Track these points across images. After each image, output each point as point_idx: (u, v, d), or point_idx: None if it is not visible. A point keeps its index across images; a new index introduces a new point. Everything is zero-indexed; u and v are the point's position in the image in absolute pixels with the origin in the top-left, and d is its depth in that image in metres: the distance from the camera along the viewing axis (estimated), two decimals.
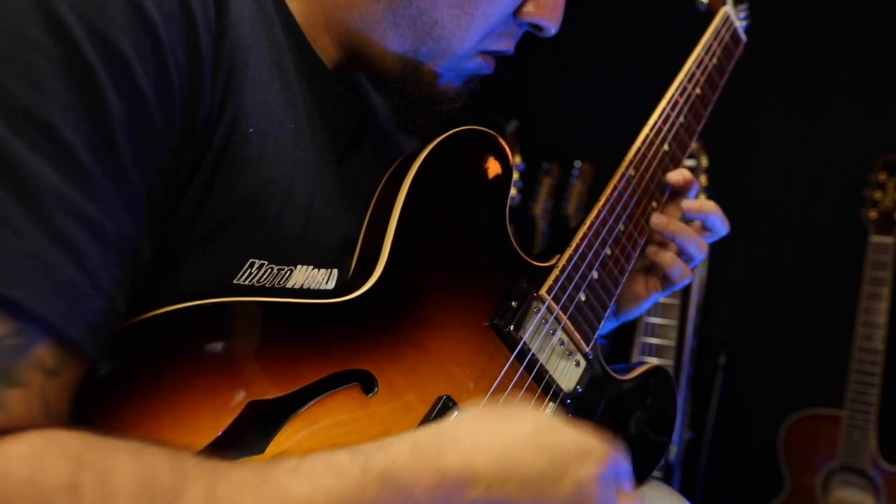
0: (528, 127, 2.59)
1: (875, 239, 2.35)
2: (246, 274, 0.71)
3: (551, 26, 0.85)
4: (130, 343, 0.61)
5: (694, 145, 2.29)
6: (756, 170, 2.67)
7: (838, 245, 2.55)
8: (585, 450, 0.70)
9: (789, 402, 2.51)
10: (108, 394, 0.59)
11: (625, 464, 0.75)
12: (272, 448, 0.64)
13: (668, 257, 1.03)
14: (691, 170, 2.29)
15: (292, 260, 0.75)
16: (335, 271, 0.82)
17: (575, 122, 2.77)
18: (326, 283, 0.81)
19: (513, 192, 2.51)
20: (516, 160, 2.54)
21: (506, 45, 0.86)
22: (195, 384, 0.62)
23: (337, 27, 0.82)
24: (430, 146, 0.84)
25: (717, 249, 2.42)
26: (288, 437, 0.65)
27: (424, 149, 0.84)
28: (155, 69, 0.58)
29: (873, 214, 2.37)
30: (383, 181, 0.86)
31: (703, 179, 2.29)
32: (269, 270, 0.73)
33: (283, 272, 0.75)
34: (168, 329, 0.63)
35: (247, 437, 0.64)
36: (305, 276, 0.78)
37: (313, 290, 0.79)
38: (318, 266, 0.79)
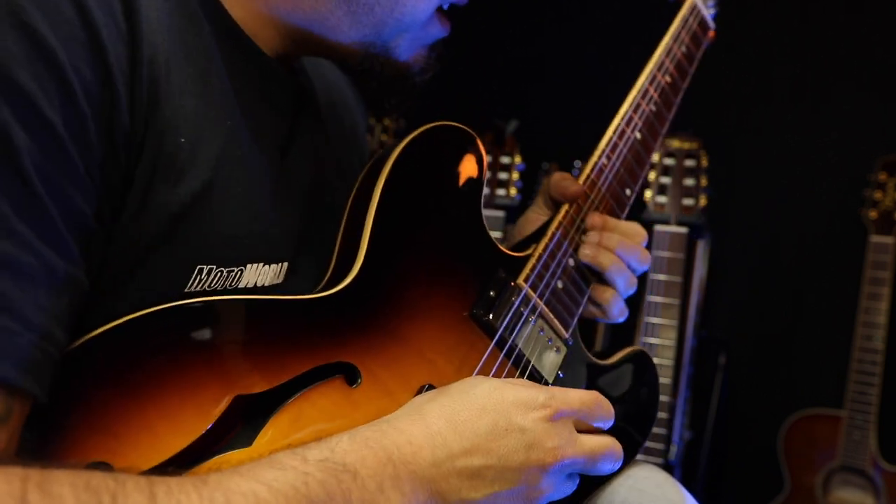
0: (528, 127, 2.59)
1: (875, 239, 2.35)
2: (196, 281, 0.70)
3: None
4: (114, 344, 0.62)
5: (695, 144, 2.31)
6: (756, 170, 2.67)
7: (838, 245, 2.54)
8: (527, 399, 0.71)
9: (789, 402, 2.50)
10: (93, 394, 0.60)
11: (580, 402, 0.75)
12: (259, 440, 0.65)
13: (608, 294, 1.01)
14: (690, 170, 2.30)
15: (241, 260, 0.75)
16: (285, 265, 0.82)
17: (575, 122, 2.77)
18: (277, 277, 0.81)
19: (513, 192, 2.52)
20: (516, 160, 2.53)
21: None
22: (181, 382, 0.63)
23: (284, 20, 0.80)
24: (403, 143, 0.86)
25: (717, 249, 2.43)
26: (274, 429, 0.66)
27: (397, 146, 0.86)
28: (59, 94, 0.57)
29: (873, 214, 2.37)
30: (360, 178, 0.87)
31: (704, 180, 2.29)
32: (220, 274, 0.73)
33: (234, 273, 0.74)
34: (152, 329, 0.64)
35: (234, 430, 0.65)
36: (257, 273, 0.77)
37: (266, 287, 0.80)
38: (267, 262, 0.79)
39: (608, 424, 0.78)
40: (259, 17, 0.79)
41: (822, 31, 2.61)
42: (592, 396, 0.77)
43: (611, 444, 0.77)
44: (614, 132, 1.06)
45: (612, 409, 0.79)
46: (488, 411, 0.69)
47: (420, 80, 0.86)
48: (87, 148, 0.60)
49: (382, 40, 0.81)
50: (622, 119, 1.07)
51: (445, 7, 0.85)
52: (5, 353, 0.54)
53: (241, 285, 0.76)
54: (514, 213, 2.51)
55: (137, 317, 0.63)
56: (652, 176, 2.32)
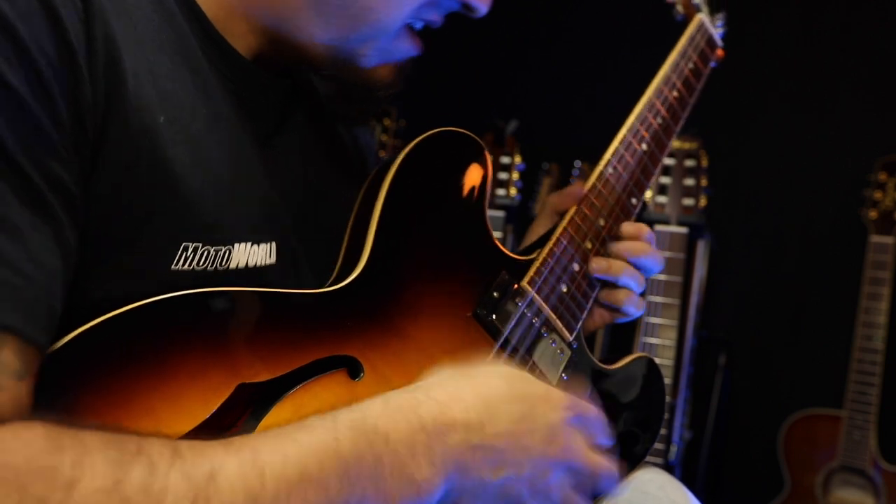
0: (528, 127, 2.60)
1: (875, 239, 2.35)
2: (182, 259, 0.71)
3: (482, 6, 0.84)
4: (120, 331, 0.62)
5: (695, 144, 2.31)
6: (756, 170, 2.68)
7: (838, 245, 2.55)
8: (555, 398, 0.75)
9: (789, 402, 2.51)
10: (97, 380, 0.60)
11: (593, 416, 0.78)
12: (261, 428, 0.65)
13: (621, 295, 1.04)
14: (690, 170, 2.31)
15: (228, 239, 0.76)
16: (274, 244, 0.83)
17: (575, 122, 2.77)
18: (269, 256, 0.82)
19: (513, 192, 2.52)
20: (516, 160, 2.54)
21: (434, 15, 0.85)
22: (185, 369, 0.64)
23: (258, 15, 0.80)
24: (410, 147, 0.87)
25: (717, 249, 2.44)
26: (276, 418, 0.66)
27: (404, 149, 0.87)
28: (25, 69, 0.58)
29: (873, 214, 2.37)
30: (368, 180, 0.89)
31: (704, 180, 2.30)
32: (207, 252, 0.73)
33: (222, 252, 0.75)
34: (158, 316, 0.65)
35: (235, 418, 0.65)
36: (247, 253, 0.78)
37: (260, 267, 0.80)
38: (256, 242, 0.80)
39: (608, 444, 0.80)
40: (232, 14, 0.80)
41: (822, 32, 2.61)
42: (602, 416, 0.80)
43: (612, 466, 0.79)
44: (620, 143, 1.07)
45: (611, 434, 0.81)
46: (522, 400, 0.72)
47: (383, 94, 0.87)
48: (57, 118, 0.61)
49: (350, 46, 0.81)
50: (629, 131, 1.08)
51: (418, 27, 0.85)
52: (15, 306, 0.55)
53: (233, 265, 0.77)
54: (514, 213, 2.52)
55: (144, 304, 0.64)
56: None
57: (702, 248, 2.39)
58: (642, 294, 1.06)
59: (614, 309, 1.05)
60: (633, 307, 1.04)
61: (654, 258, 1.04)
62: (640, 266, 1.03)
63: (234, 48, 0.81)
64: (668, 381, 2.21)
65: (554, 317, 0.93)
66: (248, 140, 0.82)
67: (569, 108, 2.86)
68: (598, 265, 1.01)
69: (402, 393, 0.67)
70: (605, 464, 0.77)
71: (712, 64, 1.27)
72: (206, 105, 0.75)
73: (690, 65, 1.20)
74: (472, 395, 0.69)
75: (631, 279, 1.02)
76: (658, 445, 2.21)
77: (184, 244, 0.71)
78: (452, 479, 0.66)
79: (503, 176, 2.54)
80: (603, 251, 1.03)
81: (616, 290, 1.03)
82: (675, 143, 2.33)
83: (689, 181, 2.30)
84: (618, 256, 1.02)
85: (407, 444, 0.63)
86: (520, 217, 2.58)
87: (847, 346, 2.37)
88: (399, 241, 0.84)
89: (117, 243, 0.67)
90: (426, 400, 0.67)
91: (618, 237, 1.05)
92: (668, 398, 2.22)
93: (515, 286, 0.90)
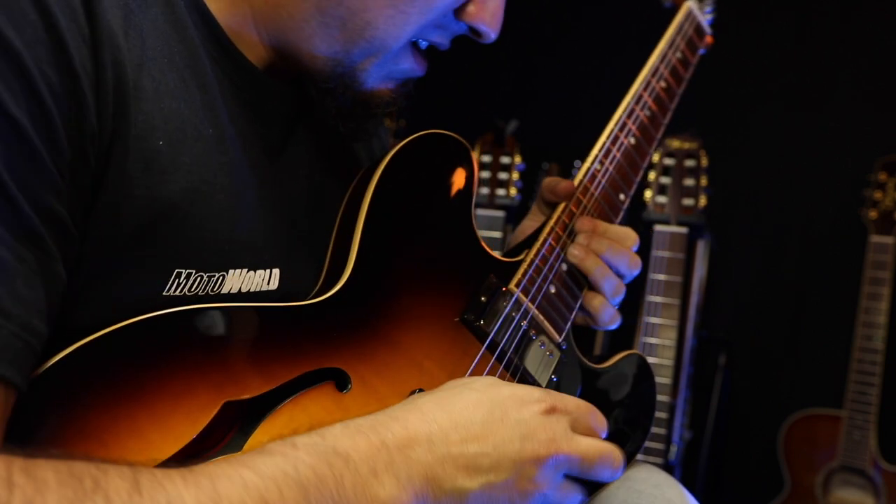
0: (528, 127, 2.59)
1: (875, 239, 2.35)
2: (174, 285, 0.71)
3: (491, 32, 0.83)
4: (104, 352, 0.62)
5: (695, 144, 2.31)
6: (756, 170, 2.67)
7: (838, 245, 2.54)
8: (523, 395, 0.73)
9: (789, 402, 2.51)
10: (83, 402, 0.60)
11: (574, 406, 0.76)
12: (249, 445, 0.65)
13: (596, 301, 1.00)
14: (690, 170, 2.30)
15: (222, 265, 0.75)
16: (276, 271, 0.82)
17: (575, 122, 2.77)
18: (267, 283, 0.81)
19: (513, 191, 2.52)
20: (516, 160, 2.53)
21: (440, 38, 0.83)
22: (171, 388, 0.64)
23: (266, 25, 0.80)
24: (393, 151, 0.86)
25: (717, 249, 2.43)
26: (264, 434, 0.66)
27: (388, 154, 0.86)
28: (26, 96, 0.58)
29: (873, 214, 2.37)
30: (352, 186, 0.88)
31: (704, 180, 2.29)
32: (199, 279, 0.73)
33: (215, 278, 0.75)
34: (142, 336, 0.65)
35: (223, 436, 0.65)
36: (241, 279, 0.78)
37: (254, 293, 0.80)
38: (253, 268, 0.79)
39: (602, 433, 0.78)
40: (244, 24, 0.80)
41: (821, 32, 2.61)
42: (587, 403, 0.78)
43: (608, 449, 0.76)
44: (608, 138, 1.06)
45: (605, 420, 0.79)
46: (484, 403, 0.70)
47: (381, 112, 0.86)
48: (56, 148, 0.60)
49: (350, 60, 0.80)
50: (616, 124, 1.07)
51: (423, 47, 0.84)
52: None
53: (225, 291, 0.76)
54: (514, 213, 2.52)
55: (128, 324, 0.64)
56: (652, 176, 2.32)
57: (702, 248, 2.39)
58: (620, 307, 1.03)
59: (588, 314, 1.02)
60: (605, 316, 1.00)
61: (629, 262, 1.00)
62: (613, 266, 0.99)
63: (246, 57, 0.81)
64: (667, 381, 2.21)
65: (542, 318, 0.93)
66: (256, 158, 0.81)
67: (569, 108, 2.86)
68: (574, 251, 0.98)
69: (364, 418, 0.66)
70: (600, 448, 0.75)
71: (701, 51, 1.25)
72: (212, 125, 0.75)
73: (678, 54, 1.18)
74: (433, 406, 0.68)
75: (605, 280, 0.99)
76: (658, 445, 2.20)
77: (177, 270, 0.71)
78: (425, 493, 0.65)
79: (503, 176, 2.53)
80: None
81: (593, 295, 1.00)
82: (675, 143, 2.32)
83: (689, 181, 2.30)
84: (596, 252, 0.99)
85: (368, 462, 0.62)
86: (520, 217, 2.57)
87: (847, 346, 2.37)
88: (384, 248, 0.83)
89: (112, 268, 0.67)
90: (384, 418, 0.66)
91: (605, 235, 1.01)
92: (668, 398, 2.22)
93: (503, 289, 0.90)
